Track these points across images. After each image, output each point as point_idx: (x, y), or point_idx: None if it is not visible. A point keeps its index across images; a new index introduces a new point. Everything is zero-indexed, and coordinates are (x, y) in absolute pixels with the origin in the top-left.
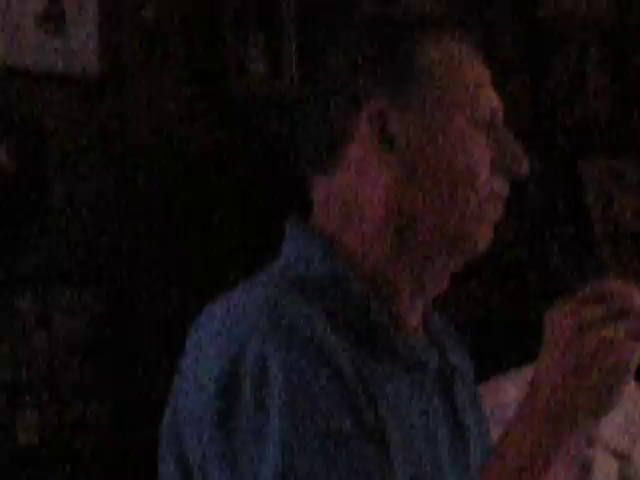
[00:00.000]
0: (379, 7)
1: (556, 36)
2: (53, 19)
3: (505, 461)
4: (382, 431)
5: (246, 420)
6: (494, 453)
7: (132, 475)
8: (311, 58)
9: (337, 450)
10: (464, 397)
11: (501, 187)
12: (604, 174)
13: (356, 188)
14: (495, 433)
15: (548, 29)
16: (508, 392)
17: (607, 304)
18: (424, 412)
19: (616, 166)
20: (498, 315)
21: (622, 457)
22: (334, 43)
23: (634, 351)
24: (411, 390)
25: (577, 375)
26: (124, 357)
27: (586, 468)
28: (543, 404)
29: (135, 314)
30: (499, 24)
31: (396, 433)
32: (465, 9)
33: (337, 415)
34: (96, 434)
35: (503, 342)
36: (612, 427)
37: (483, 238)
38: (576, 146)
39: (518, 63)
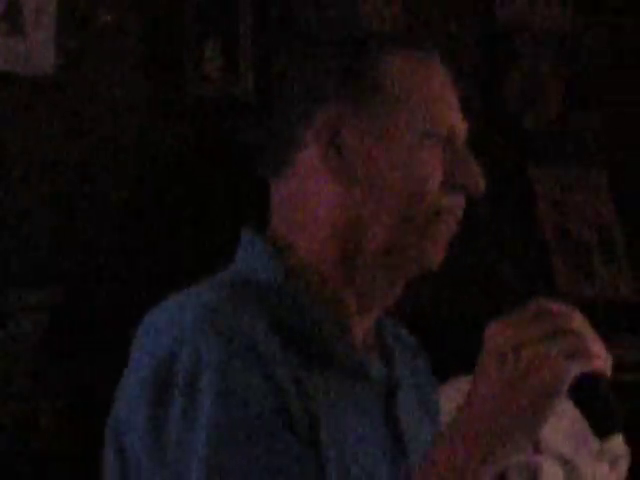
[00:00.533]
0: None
1: (510, 46)
2: (11, 20)
3: (437, 469)
4: (316, 437)
5: (177, 415)
6: (428, 460)
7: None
8: (267, 63)
9: (263, 447)
10: (410, 408)
11: (454, 204)
12: (555, 182)
13: (305, 195)
14: None
15: (503, 39)
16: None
17: (545, 323)
18: (361, 421)
19: (567, 174)
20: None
21: (568, 463)
22: (292, 50)
23: (567, 370)
24: (350, 400)
25: (510, 391)
26: (81, 355)
27: (534, 475)
28: (476, 419)
29: (92, 312)
30: (456, 34)
31: (332, 441)
32: (421, 17)
33: (266, 414)
34: (49, 433)
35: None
36: (558, 433)
37: (433, 256)
38: (528, 154)
39: (472, 72)
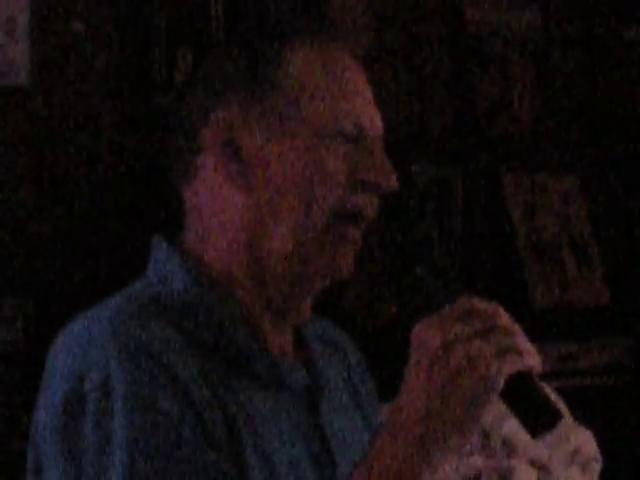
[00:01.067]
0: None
1: (481, 51)
2: None
3: (372, 474)
4: (238, 448)
5: (90, 434)
6: (362, 465)
7: None
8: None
9: (177, 458)
10: (339, 410)
11: (361, 205)
12: (526, 187)
13: (210, 202)
14: None
15: (474, 44)
16: None
17: (473, 321)
18: (285, 431)
19: (538, 179)
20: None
21: (541, 467)
22: (201, 51)
23: (499, 368)
24: (272, 409)
25: (442, 392)
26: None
27: (506, 478)
28: (409, 422)
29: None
30: (427, 40)
31: (254, 451)
32: (390, 20)
33: (179, 425)
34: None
35: None
36: (531, 438)
37: (341, 263)
38: (498, 159)
39: (444, 77)
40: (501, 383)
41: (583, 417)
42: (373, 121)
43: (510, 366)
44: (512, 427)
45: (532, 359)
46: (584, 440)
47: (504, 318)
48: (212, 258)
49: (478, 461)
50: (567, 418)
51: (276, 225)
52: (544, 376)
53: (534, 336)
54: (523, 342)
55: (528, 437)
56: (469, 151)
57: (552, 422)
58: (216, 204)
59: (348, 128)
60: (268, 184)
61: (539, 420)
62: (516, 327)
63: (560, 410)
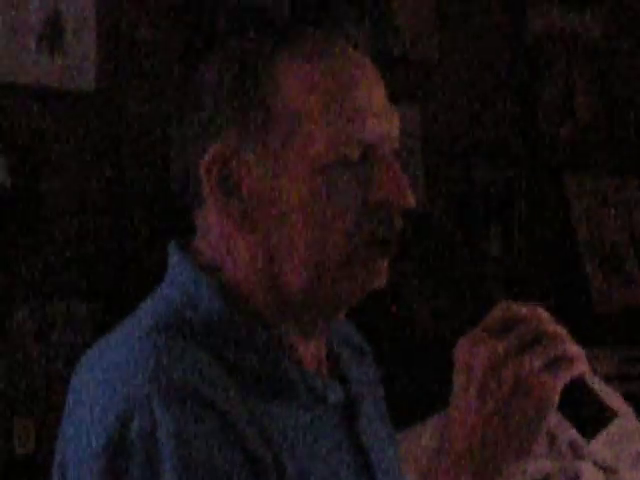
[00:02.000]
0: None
1: (544, 55)
2: (52, 37)
3: None
4: (282, 476)
5: None
6: None
7: None
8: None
9: None
10: (370, 424)
11: (380, 228)
12: (589, 190)
13: (217, 234)
14: None
15: (536, 49)
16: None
17: (518, 332)
18: (324, 449)
19: (600, 182)
20: None
21: (610, 471)
22: (196, 76)
23: (554, 384)
24: (310, 427)
25: (497, 418)
26: None
27: None
28: (462, 453)
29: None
30: (490, 44)
31: (295, 474)
32: (453, 28)
33: (233, 472)
34: None
35: None
36: (599, 439)
37: (369, 281)
38: (561, 162)
39: (506, 80)
40: (557, 398)
41: None
42: (383, 132)
43: (564, 378)
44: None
45: (582, 364)
46: None
47: (548, 322)
48: (232, 277)
49: (546, 463)
50: (634, 420)
51: (289, 262)
52: (610, 379)
53: (597, 340)
54: (571, 347)
55: (596, 441)
56: (531, 155)
57: (605, 421)
58: (224, 240)
59: (352, 153)
60: (273, 222)
61: (593, 422)
62: (561, 330)
63: (613, 408)
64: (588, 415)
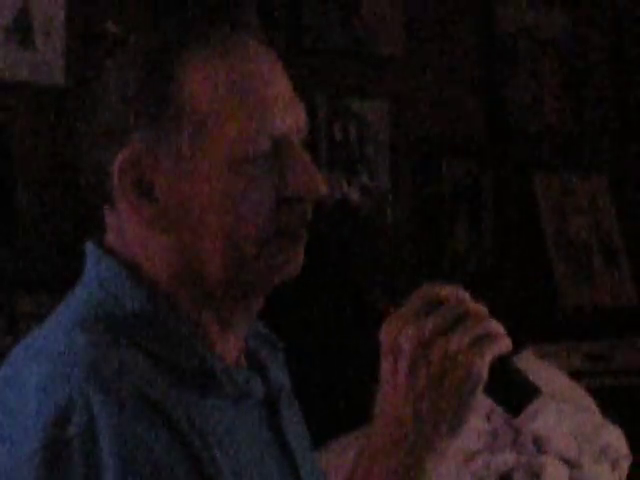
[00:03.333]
0: None
1: (511, 52)
2: (21, 31)
3: None
4: (217, 471)
5: None
6: None
7: None
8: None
9: None
10: (289, 417)
11: (293, 220)
12: (556, 187)
13: (131, 235)
14: None
15: (505, 46)
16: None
17: (443, 311)
18: (253, 444)
19: (567, 180)
20: None
21: (573, 464)
22: (103, 74)
23: (482, 357)
24: (237, 423)
25: (429, 394)
26: None
27: (537, 475)
28: (398, 430)
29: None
30: (458, 40)
31: (228, 470)
32: (421, 21)
33: (172, 465)
34: None
35: None
36: (561, 435)
37: (285, 271)
38: (529, 159)
39: (474, 77)
40: (486, 374)
41: (612, 415)
42: (291, 123)
43: (491, 353)
44: (543, 423)
45: (505, 341)
46: (614, 437)
47: (470, 302)
48: (151, 275)
49: (509, 457)
50: (598, 415)
51: (205, 262)
52: (574, 374)
53: (563, 335)
54: (494, 325)
55: (559, 433)
56: (500, 151)
57: (532, 396)
58: (139, 240)
59: (263, 146)
60: (187, 223)
61: (518, 399)
62: (483, 309)
63: (537, 386)
64: (513, 392)
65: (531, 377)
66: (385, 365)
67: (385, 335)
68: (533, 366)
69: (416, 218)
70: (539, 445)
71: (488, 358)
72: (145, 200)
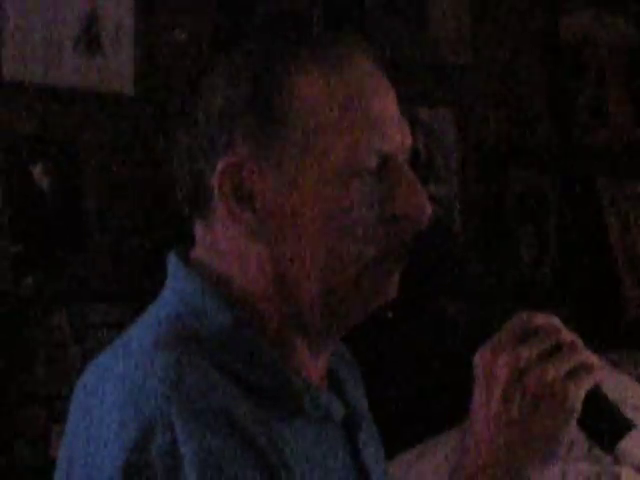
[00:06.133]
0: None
1: (576, 60)
2: (90, 40)
3: None
4: None
5: None
6: None
7: None
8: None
9: None
10: (366, 439)
11: (394, 239)
12: (622, 196)
13: (227, 246)
14: None
15: (570, 54)
16: (433, 459)
17: (538, 341)
18: (331, 466)
19: (633, 188)
20: None
21: None
22: (206, 82)
23: (577, 390)
24: (318, 445)
25: (523, 423)
26: None
27: None
28: (486, 461)
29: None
30: (523, 49)
31: None
32: (487, 33)
33: None
34: None
35: None
36: (637, 445)
37: (381, 295)
38: (594, 167)
39: (540, 85)
40: (580, 405)
41: None
42: (399, 141)
43: (586, 385)
44: None
45: (599, 372)
46: None
47: (565, 332)
48: (241, 291)
49: (584, 467)
50: None
51: (302, 275)
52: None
53: (630, 345)
54: (589, 356)
55: (634, 444)
56: (565, 160)
57: (625, 430)
58: (234, 252)
59: (371, 163)
60: (288, 234)
61: (610, 434)
62: (577, 340)
63: (630, 419)
64: (605, 426)
65: (605, 387)
66: (478, 391)
67: (480, 361)
68: (607, 375)
69: (483, 226)
70: (615, 455)
71: (584, 389)
72: (245, 209)
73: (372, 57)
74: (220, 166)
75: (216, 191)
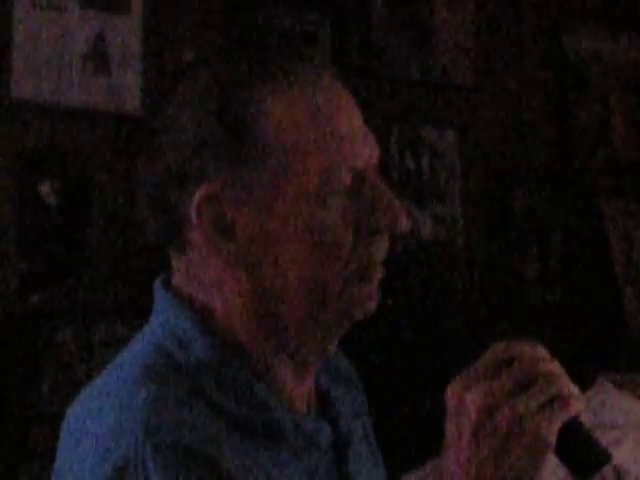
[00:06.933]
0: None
1: (582, 81)
2: (97, 59)
3: None
4: None
5: None
6: None
7: None
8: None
9: None
10: (359, 465)
11: (375, 255)
12: (625, 215)
13: (211, 275)
14: None
15: (574, 74)
16: None
17: (512, 372)
18: None
19: (637, 208)
20: None
21: None
22: (172, 106)
23: (550, 422)
24: (304, 474)
25: (495, 460)
26: None
27: None
28: None
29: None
30: (528, 69)
31: None
32: (493, 56)
33: None
34: None
35: None
36: (638, 461)
37: (363, 307)
38: (598, 187)
39: (543, 105)
40: (554, 439)
41: None
42: (368, 154)
43: (560, 418)
44: (623, 454)
45: (578, 403)
46: None
47: (543, 361)
48: (222, 320)
49: None
50: None
51: (286, 302)
52: None
53: (633, 364)
54: (567, 386)
55: (635, 461)
56: (569, 179)
57: (602, 463)
58: (215, 282)
59: (345, 180)
60: (269, 260)
61: (589, 463)
62: (557, 368)
63: (607, 451)
64: (581, 458)
65: (608, 406)
66: (449, 427)
67: (450, 395)
68: (610, 395)
69: (486, 245)
70: (619, 476)
71: (557, 424)
72: (225, 238)
73: (333, 73)
74: (197, 197)
75: (194, 222)
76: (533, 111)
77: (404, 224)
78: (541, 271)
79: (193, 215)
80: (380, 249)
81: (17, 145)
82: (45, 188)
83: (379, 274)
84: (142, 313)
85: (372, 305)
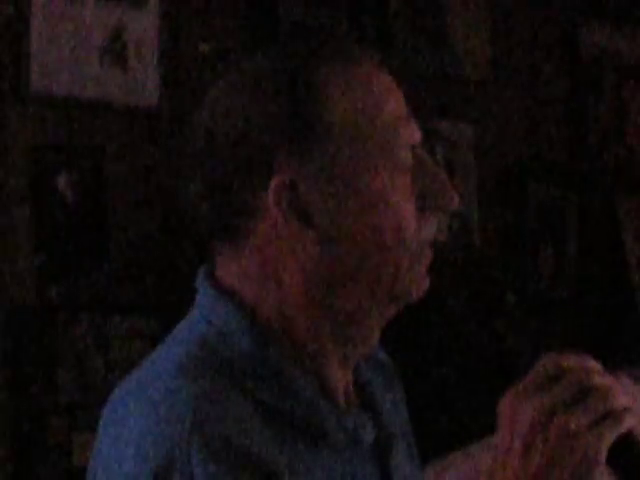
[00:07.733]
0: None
1: (596, 76)
2: (115, 52)
3: None
4: None
5: None
6: None
7: None
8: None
9: None
10: (400, 457)
11: (429, 232)
12: None
13: (270, 265)
14: None
15: (588, 70)
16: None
17: (565, 386)
18: None
19: None
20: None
21: None
22: (227, 99)
23: (600, 440)
24: (346, 470)
25: (544, 473)
26: None
27: None
28: None
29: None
30: (543, 65)
31: None
32: (507, 47)
33: None
34: None
35: None
36: None
37: (418, 288)
38: (613, 184)
39: (559, 103)
40: (604, 455)
41: None
42: (418, 135)
43: (612, 435)
44: None
45: (630, 418)
46: None
47: (595, 374)
48: (271, 312)
49: None
50: None
51: (356, 275)
52: None
53: None
54: (620, 400)
55: None
56: (584, 177)
57: None
58: (269, 272)
59: (408, 159)
60: (346, 241)
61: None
62: (609, 382)
63: None
64: (633, 472)
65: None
66: (500, 439)
67: (503, 407)
68: (628, 390)
69: (502, 241)
70: None
71: (608, 441)
72: (305, 225)
73: (379, 59)
74: (273, 185)
75: (273, 210)
76: (548, 107)
77: (456, 201)
78: (556, 268)
79: (271, 203)
80: (432, 229)
81: (34, 139)
82: (62, 182)
83: (430, 254)
84: (160, 306)
85: (425, 285)
